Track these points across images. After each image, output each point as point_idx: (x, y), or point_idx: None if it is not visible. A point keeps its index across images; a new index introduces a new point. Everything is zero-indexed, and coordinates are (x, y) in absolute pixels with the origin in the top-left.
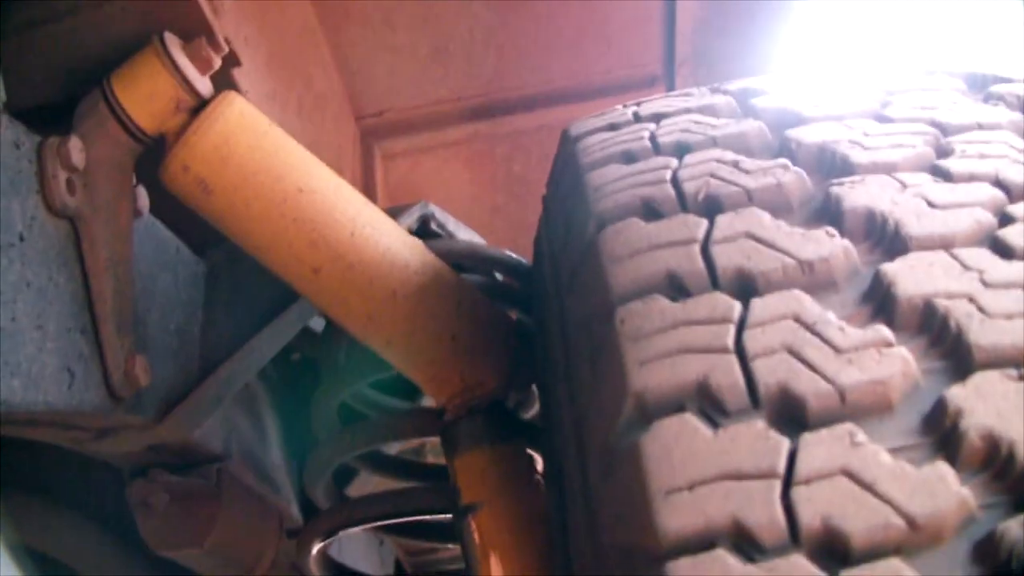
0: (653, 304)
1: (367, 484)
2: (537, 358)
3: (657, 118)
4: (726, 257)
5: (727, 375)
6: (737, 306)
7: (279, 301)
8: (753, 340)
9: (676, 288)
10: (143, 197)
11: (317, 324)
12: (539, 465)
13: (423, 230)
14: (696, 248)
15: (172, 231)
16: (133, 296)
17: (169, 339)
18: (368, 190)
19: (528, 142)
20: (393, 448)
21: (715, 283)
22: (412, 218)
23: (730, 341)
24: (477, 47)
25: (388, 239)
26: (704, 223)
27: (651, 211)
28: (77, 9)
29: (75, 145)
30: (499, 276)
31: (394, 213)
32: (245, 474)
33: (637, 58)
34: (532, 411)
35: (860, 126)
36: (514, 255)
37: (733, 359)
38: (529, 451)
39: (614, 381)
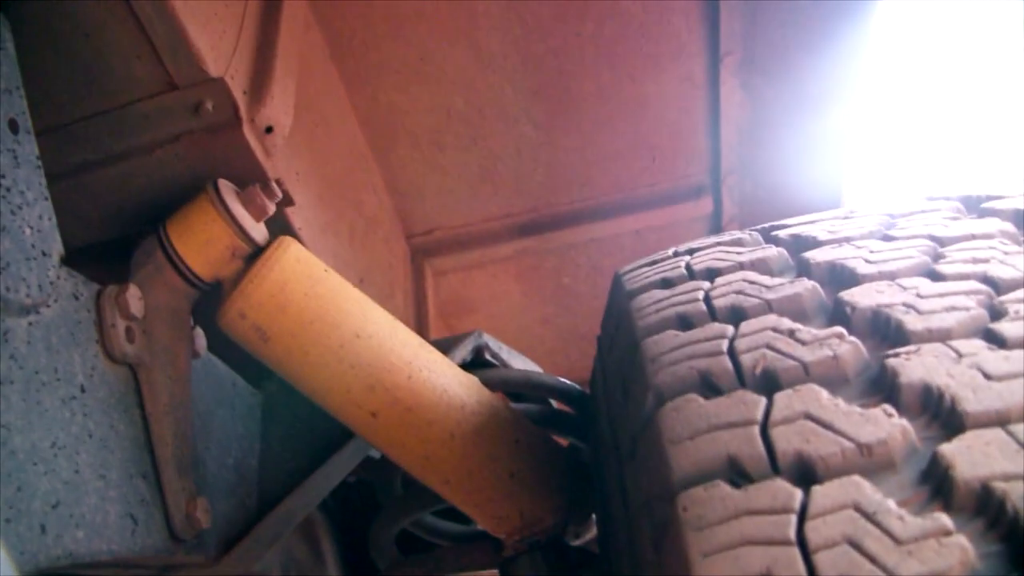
0: (715, 491)
1: None
2: (595, 489)
3: (710, 275)
4: (785, 440)
5: (790, 569)
6: (798, 494)
7: (337, 434)
8: (815, 532)
9: (737, 473)
10: (200, 338)
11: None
12: None
13: (477, 360)
14: (756, 430)
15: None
16: (192, 437)
17: (228, 475)
18: (419, 307)
19: (576, 255)
20: None
21: (775, 468)
22: (466, 349)
23: (792, 533)
24: (525, 165)
25: (445, 380)
26: (762, 401)
27: (709, 386)
28: (130, 153)
29: (133, 294)
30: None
31: (448, 344)
32: None
33: (682, 170)
34: (588, 535)
35: (914, 286)
36: (569, 383)
37: (795, 552)
38: None
39: (678, 570)
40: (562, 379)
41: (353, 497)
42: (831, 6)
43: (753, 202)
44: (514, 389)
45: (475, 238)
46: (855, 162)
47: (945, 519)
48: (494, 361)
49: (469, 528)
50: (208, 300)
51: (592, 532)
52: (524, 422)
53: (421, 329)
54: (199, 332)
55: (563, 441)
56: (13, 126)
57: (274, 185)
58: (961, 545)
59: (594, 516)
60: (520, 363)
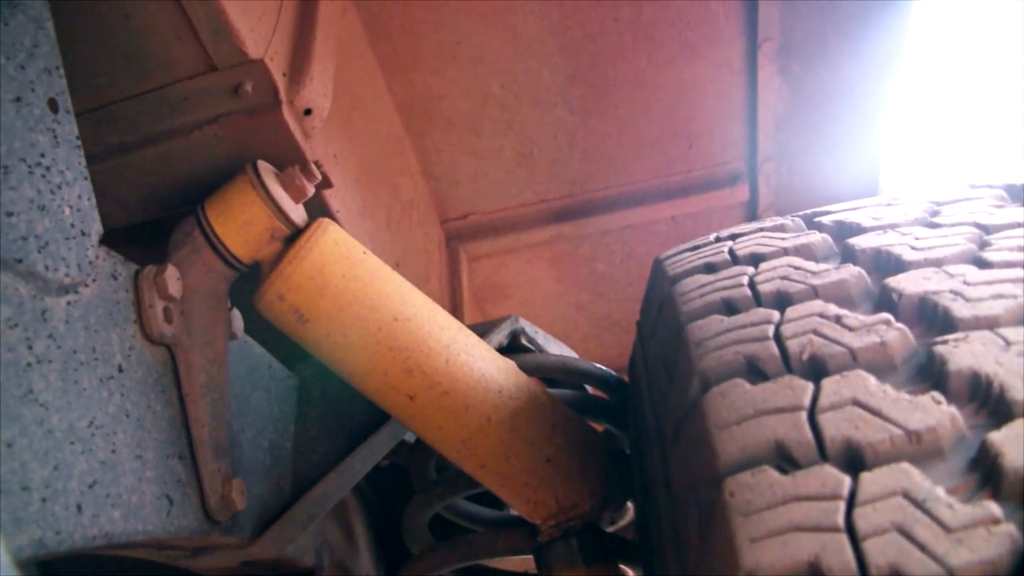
0: (762, 477)
1: None
2: (635, 478)
3: (754, 260)
4: (834, 427)
5: (839, 556)
6: (846, 481)
7: (372, 417)
8: (864, 519)
9: (784, 458)
10: (238, 320)
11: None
12: None
13: (513, 345)
14: (803, 416)
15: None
16: (228, 418)
17: (263, 457)
18: (454, 291)
19: (611, 241)
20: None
21: (823, 454)
22: (502, 334)
23: (840, 519)
24: (561, 150)
25: (482, 364)
26: (810, 387)
27: (755, 371)
28: (169, 135)
29: (171, 274)
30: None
31: (484, 329)
32: None
33: (719, 156)
34: (624, 520)
35: (961, 273)
36: (605, 369)
37: (844, 539)
38: (622, 567)
39: (724, 556)
40: (599, 365)
41: (386, 481)
42: None
43: (789, 189)
44: (551, 374)
45: (510, 223)
46: (892, 149)
47: (994, 507)
48: (530, 346)
49: (503, 513)
50: (246, 281)
51: (627, 519)
52: (561, 407)
53: (455, 313)
54: (236, 313)
55: (597, 427)
56: (53, 105)
57: (313, 167)
58: (1011, 533)
59: (631, 503)
60: (556, 348)
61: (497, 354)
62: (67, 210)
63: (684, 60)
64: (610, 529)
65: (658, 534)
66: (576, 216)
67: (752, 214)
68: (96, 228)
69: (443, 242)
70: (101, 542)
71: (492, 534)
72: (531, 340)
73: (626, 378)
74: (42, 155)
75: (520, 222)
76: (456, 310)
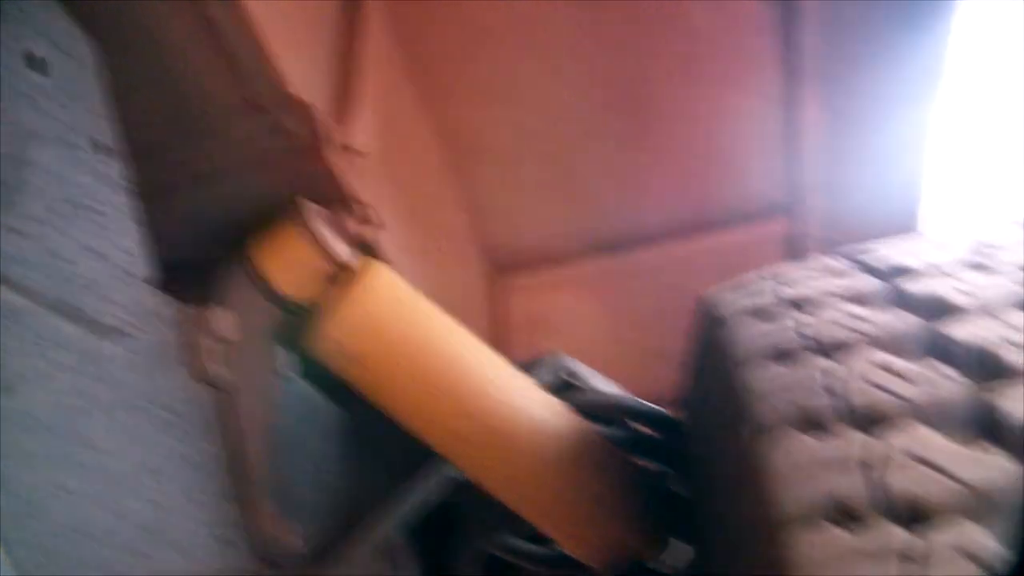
0: (821, 532)
1: None
2: (688, 518)
3: (803, 304)
4: (894, 483)
5: None
6: (906, 537)
7: (422, 456)
8: None
9: (842, 513)
10: (286, 359)
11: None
12: None
13: (559, 383)
14: (859, 469)
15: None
16: (280, 458)
17: (315, 496)
18: (498, 325)
19: (654, 274)
20: None
21: (882, 509)
22: (549, 371)
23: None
24: (602, 183)
25: (533, 405)
26: (865, 439)
27: (808, 421)
28: (215, 175)
29: (220, 315)
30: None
31: (529, 367)
32: None
33: (759, 188)
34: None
35: (1012, 319)
36: (655, 407)
37: None
38: None
39: None
40: (648, 402)
41: (434, 518)
42: (910, 23)
43: (832, 220)
44: (600, 413)
45: (553, 256)
46: (932, 177)
47: None
48: (575, 382)
49: (554, 550)
50: (296, 322)
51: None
52: (610, 448)
53: (498, 347)
54: (286, 353)
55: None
56: (100, 147)
57: (360, 207)
58: None
59: (681, 542)
60: (601, 384)
61: (545, 393)
62: (118, 253)
63: (723, 91)
64: (662, 569)
65: None
66: (618, 249)
67: (793, 246)
68: (146, 271)
69: (486, 276)
70: None
71: (544, 574)
72: (576, 377)
73: (673, 413)
74: (92, 198)
75: (563, 255)
76: (499, 344)
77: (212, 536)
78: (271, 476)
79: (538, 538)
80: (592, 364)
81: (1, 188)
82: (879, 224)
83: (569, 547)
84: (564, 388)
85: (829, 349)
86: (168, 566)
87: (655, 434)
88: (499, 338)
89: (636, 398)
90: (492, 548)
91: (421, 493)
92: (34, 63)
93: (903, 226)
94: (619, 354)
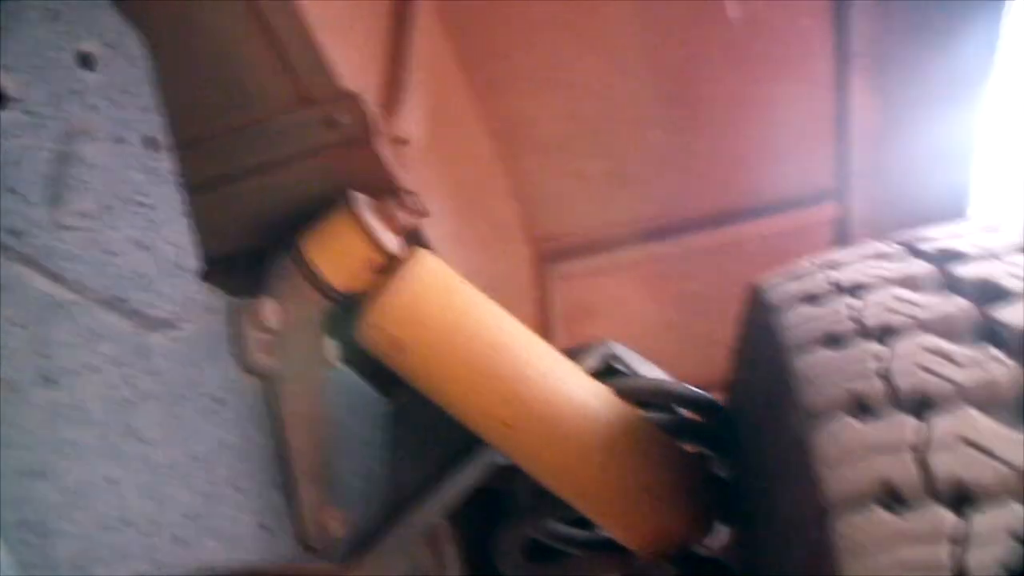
0: (870, 516)
1: None
2: (736, 505)
3: (856, 290)
4: (942, 465)
5: None
6: (956, 521)
7: (467, 443)
8: (974, 560)
9: (892, 497)
10: (333, 349)
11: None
12: None
13: (606, 369)
14: (911, 454)
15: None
16: (326, 447)
17: (359, 483)
18: (544, 312)
19: (702, 260)
20: None
21: (932, 493)
22: (595, 358)
23: (949, 560)
24: (651, 170)
25: (577, 391)
26: (917, 424)
27: (860, 406)
28: (266, 167)
29: (268, 306)
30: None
31: (576, 353)
32: None
33: (809, 174)
34: (718, 543)
35: None
36: (699, 391)
37: None
38: None
39: None
40: (695, 388)
41: (478, 504)
42: (962, 8)
43: (881, 206)
44: (647, 399)
45: (601, 243)
46: (984, 163)
47: None
48: (623, 369)
49: (598, 535)
50: (344, 312)
51: (723, 542)
52: (656, 432)
53: (545, 334)
54: (332, 343)
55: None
56: (152, 144)
57: (410, 198)
58: None
59: (727, 527)
60: (648, 371)
61: (591, 380)
62: (166, 247)
63: (775, 77)
64: (706, 553)
65: (763, 564)
66: (667, 236)
67: (842, 232)
68: (194, 264)
69: (534, 263)
70: (200, 572)
71: (587, 558)
72: (623, 363)
73: (721, 400)
74: (141, 193)
75: (611, 242)
76: (546, 331)
77: (256, 524)
78: (316, 464)
79: (581, 522)
80: (640, 349)
81: (51, 185)
82: (929, 209)
83: (613, 532)
84: (610, 374)
85: (879, 333)
86: (212, 555)
87: (701, 419)
88: (547, 324)
89: (682, 383)
90: (534, 533)
91: (465, 479)
92: (86, 60)
93: (953, 211)
94: (668, 340)
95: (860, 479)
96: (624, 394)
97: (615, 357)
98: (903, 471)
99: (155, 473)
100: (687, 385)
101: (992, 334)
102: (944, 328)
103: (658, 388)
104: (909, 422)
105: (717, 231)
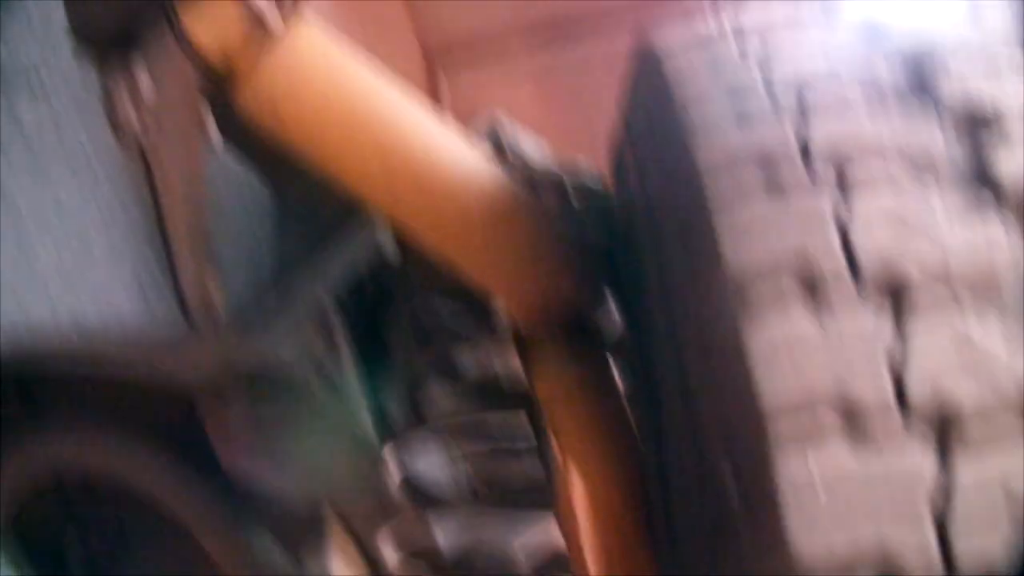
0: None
1: None
2: (624, 282)
3: (767, 60)
4: (870, 243)
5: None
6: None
7: (351, 220)
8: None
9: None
10: (215, 135)
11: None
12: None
13: (493, 147)
14: (831, 229)
15: None
16: (207, 228)
17: (242, 264)
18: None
19: (597, 60)
20: None
21: (856, 275)
22: (482, 130)
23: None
24: None
25: (463, 158)
26: (838, 198)
27: (773, 184)
28: None
29: (141, 75)
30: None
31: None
32: None
33: None
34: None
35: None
36: (589, 170)
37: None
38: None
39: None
40: (580, 167)
41: (367, 295)
42: None
43: None
44: (531, 176)
45: (491, 43)
46: None
47: None
48: (510, 149)
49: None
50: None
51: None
52: (543, 205)
53: None
54: (214, 129)
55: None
56: None
57: None
58: None
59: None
60: (537, 150)
61: (478, 150)
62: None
63: None
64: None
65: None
66: (559, 35)
67: None
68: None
69: (423, 66)
70: (75, 335)
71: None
72: (511, 143)
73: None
74: None
75: (501, 42)
76: None
77: (133, 285)
78: (198, 239)
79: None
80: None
81: None
82: None
83: (499, 295)
84: (499, 152)
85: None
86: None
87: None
88: None
89: (570, 164)
90: (421, 313)
91: (348, 256)
92: None
93: None
94: (556, 141)
95: (771, 252)
96: (511, 169)
97: (503, 135)
98: (821, 244)
99: (21, 226)
100: (575, 164)
101: (924, 96)
102: (869, 90)
103: (544, 166)
104: (828, 194)
105: (611, 30)
